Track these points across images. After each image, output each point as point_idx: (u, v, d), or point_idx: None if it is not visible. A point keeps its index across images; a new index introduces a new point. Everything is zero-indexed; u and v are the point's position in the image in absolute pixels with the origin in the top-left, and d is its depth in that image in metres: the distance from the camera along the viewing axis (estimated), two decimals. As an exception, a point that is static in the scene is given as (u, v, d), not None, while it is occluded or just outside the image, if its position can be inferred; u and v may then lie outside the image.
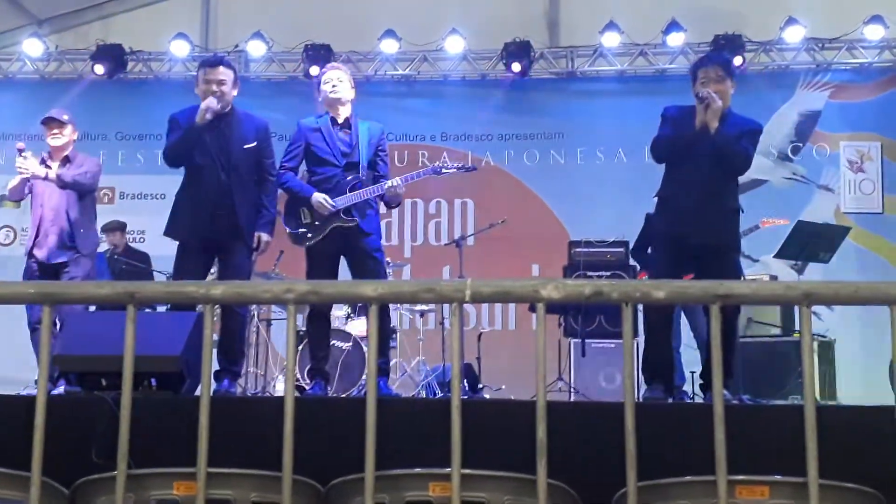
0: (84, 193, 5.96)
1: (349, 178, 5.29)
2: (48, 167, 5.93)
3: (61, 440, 2.85)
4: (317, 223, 5.25)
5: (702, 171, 4.83)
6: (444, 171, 5.71)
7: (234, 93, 5.29)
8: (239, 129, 5.25)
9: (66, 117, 6.04)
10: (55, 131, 5.96)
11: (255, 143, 5.25)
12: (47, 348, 2.07)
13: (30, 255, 5.88)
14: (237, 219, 5.15)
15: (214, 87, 5.14)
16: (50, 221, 5.83)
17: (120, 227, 8.52)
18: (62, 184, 5.80)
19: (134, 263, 8.08)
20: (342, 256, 5.35)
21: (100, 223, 6.31)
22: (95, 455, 3.61)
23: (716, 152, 4.80)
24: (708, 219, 4.79)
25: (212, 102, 5.07)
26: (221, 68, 5.22)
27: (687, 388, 6.30)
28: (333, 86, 5.34)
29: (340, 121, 5.36)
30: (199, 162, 5.19)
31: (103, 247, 7.64)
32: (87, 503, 2.42)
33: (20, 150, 5.79)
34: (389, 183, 5.32)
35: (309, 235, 5.27)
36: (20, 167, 5.77)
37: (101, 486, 2.40)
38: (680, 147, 4.91)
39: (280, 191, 5.44)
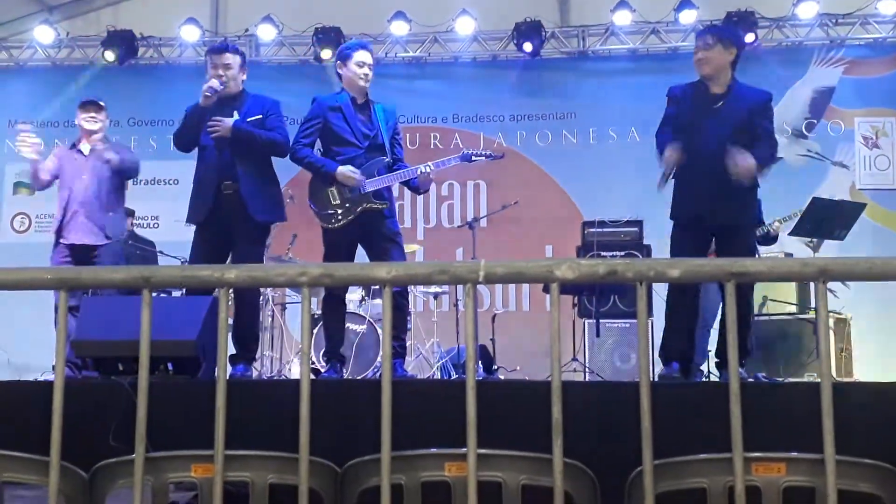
0: (121, 177, 5.97)
1: (377, 159, 5.25)
2: (80, 151, 5.95)
3: (79, 425, 2.87)
4: (347, 205, 5.17)
5: (713, 151, 4.78)
6: (474, 158, 5.63)
7: (243, 77, 5.41)
8: (245, 108, 5.31)
9: (102, 103, 6.07)
10: (92, 114, 5.98)
11: (259, 116, 5.28)
12: (64, 334, 2.08)
13: (58, 238, 5.88)
14: (241, 193, 5.16)
15: (220, 72, 5.28)
16: (79, 204, 5.84)
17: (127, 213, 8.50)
18: (117, 167, 5.77)
19: (148, 249, 8.10)
20: (360, 244, 5.33)
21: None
22: (113, 439, 3.63)
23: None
24: (724, 199, 4.76)
25: (213, 83, 5.19)
26: (227, 54, 5.37)
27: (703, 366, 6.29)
28: (366, 73, 5.29)
29: (360, 102, 5.34)
30: (205, 143, 5.28)
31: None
32: (105, 487, 2.43)
33: (22, 132, 5.78)
34: (422, 168, 5.30)
35: (339, 216, 5.20)
36: (23, 146, 5.72)
37: (120, 469, 2.41)
38: (687, 136, 4.88)
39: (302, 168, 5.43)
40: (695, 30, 9.66)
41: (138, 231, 8.92)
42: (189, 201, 5.39)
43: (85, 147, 5.97)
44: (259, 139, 5.22)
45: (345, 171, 5.15)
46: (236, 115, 5.24)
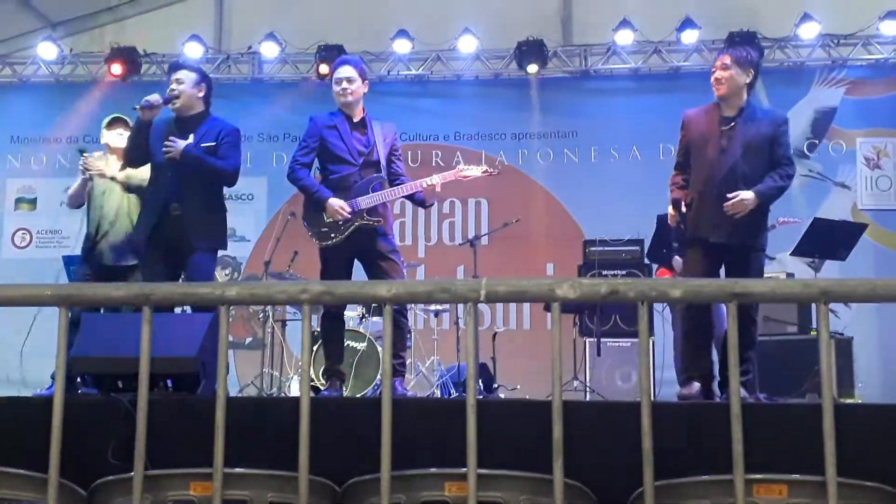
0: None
1: (371, 176, 5.26)
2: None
3: (78, 442, 2.86)
4: (340, 223, 5.17)
5: (723, 174, 4.80)
6: (466, 173, 5.62)
7: (199, 94, 5.30)
8: (202, 131, 5.24)
9: (128, 119, 6.06)
10: (120, 131, 5.94)
11: (213, 143, 5.19)
12: (64, 351, 2.07)
13: (87, 256, 5.82)
14: (182, 220, 5.08)
15: (173, 86, 5.24)
16: (110, 223, 5.80)
17: None
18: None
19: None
20: (357, 259, 5.33)
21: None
22: (112, 456, 3.62)
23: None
24: (733, 221, 4.76)
25: (151, 97, 5.12)
26: (181, 70, 5.34)
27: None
28: (343, 88, 5.27)
29: (356, 119, 5.35)
30: (159, 161, 5.19)
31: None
32: (104, 504, 2.43)
33: (82, 152, 5.78)
34: (427, 181, 5.28)
35: (332, 235, 5.19)
36: (87, 166, 5.73)
37: (119, 487, 2.41)
38: (696, 159, 4.90)
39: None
40: (697, 50, 9.73)
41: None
42: (139, 215, 5.40)
43: (117, 163, 5.96)
44: (206, 166, 5.11)
45: (334, 204, 5.14)
46: (192, 138, 5.16)
